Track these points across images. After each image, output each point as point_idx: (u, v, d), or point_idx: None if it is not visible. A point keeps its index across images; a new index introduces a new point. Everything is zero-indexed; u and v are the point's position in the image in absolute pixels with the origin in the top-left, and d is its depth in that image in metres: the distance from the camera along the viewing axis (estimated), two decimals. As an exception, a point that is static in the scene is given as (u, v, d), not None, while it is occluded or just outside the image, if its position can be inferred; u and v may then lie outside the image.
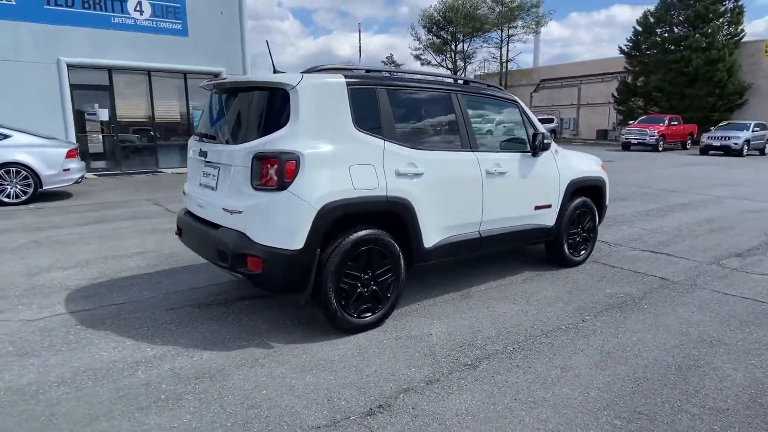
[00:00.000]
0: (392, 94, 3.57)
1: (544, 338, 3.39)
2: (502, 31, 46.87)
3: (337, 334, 3.38)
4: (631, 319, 3.72)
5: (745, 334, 3.45)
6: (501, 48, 47.18)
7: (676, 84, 30.41)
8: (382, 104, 3.48)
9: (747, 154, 23.10)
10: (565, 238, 4.88)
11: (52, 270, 4.84)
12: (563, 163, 4.75)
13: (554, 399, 2.63)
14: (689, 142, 27.76)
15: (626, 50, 34.56)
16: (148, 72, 14.28)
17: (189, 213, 3.82)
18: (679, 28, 31.60)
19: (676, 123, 27.05)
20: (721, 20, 30.47)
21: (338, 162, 3.20)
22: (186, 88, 15.07)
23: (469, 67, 50.62)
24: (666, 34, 32.30)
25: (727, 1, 30.41)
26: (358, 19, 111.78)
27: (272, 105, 3.19)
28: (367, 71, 3.60)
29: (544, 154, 4.51)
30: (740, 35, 30.20)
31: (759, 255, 5.55)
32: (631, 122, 29.10)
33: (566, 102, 41.52)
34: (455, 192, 3.82)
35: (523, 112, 4.52)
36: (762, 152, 24.39)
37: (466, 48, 49.60)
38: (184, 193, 4.00)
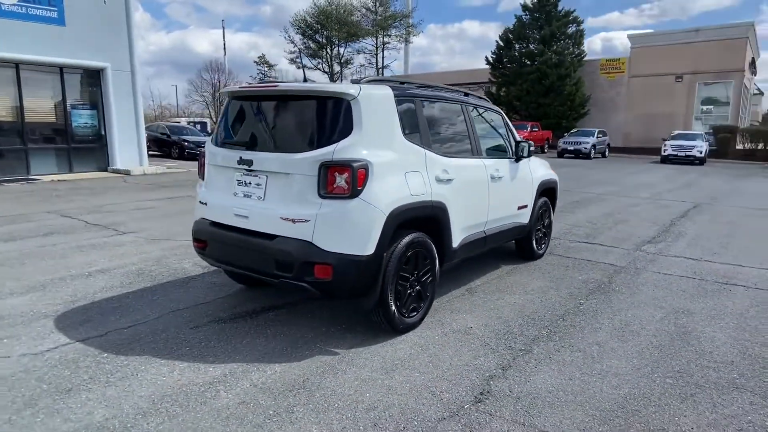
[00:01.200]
0: (425, 105, 3.80)
1: (563, 321, 3.88)
2: (377, 39, 48.50)
3: (388, 336, 3.50)
4: (615, 300, 4.39)
5: (703, 304, 4.30)
6: (377, 55, 48.80)
7: (533, 94, 34.36)
8: (420, 115, 3.70)
9: (594, 157, 27.03)
10: (534, 234, 5.50)
11: (4, 297, 4.18)
12: (533, 167, 5.35)
13: (611, 369, 3.10)
14: (546, 146, 31.59)
15: (491, 62, 38.10)
16: (16, 64, 12.40)
17: (217, 225, 3.62)
18: (534, 45, 35.73)
19: (536, 129, 30.61)
20: (567, 41, 35.16)
21: (397, 169, 3.35)
22: (63, 84, 13.36)
23: (346, 72, 51.51)
24: (524, 50, 36.31)
25: (571, 25, 35.17)
26: (215, 15, 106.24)
27: (335, 114, 3.22)
28: (402, 83, 3.78)
29: (523, 160, 5.06)
30: (582, 55, 35.12)
31: (663, 241, 6.76)
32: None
33: (438, 108, 44.22)
34: (473, 195, 4.17)
35: (506, 122, 5.02)
36: (603, 155, 28.65)
37: (342, 53, 50.39)
38: (201, 203, 3.78)
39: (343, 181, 3.08)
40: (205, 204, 3.73)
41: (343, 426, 2.46)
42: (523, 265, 5.43)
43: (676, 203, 10.55)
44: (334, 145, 3.13)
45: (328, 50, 50.26)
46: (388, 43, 49.04)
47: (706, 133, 28.17)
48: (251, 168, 3.38)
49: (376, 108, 3.31)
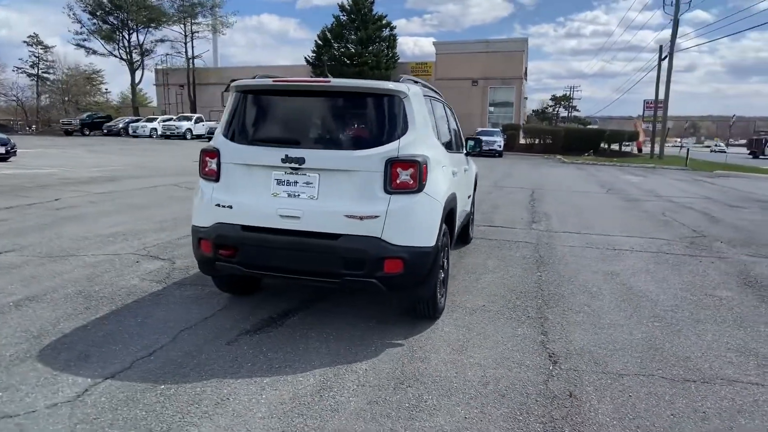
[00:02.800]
0: (432, 104, 4.06)
1: (542, 290, 4.55)
2: (185, 27, 44.93)
3: (426, 322, 3.71)
4: (559, 270, 5.26)
5: (616, 266, 5.44)
6: (186, 44, 45.23)
7: (355, 93, 36.10)
8: (433, 112, 3.95)
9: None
10: (471, 220, 6.17)
11: None
12: (470, 160, 6.00)
13: (612, 322, 3.83)
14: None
15: (311, 61, 38.65)
16: None
17: (252, 228, 3.33)
18: (353, 46, 37.44)
19: (362, 126, 32.23)
20: (382, 44, 37.68)
21: (438, 164, 3.56)
22: None
23: (149, 62, 46.52)
24: (343, 50, 37.74)
25: (385, 29, 37.78)
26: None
27: (392, 111, 3.27)
28: (415, 83, 3.96)
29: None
30: (396, 57, 38.07)
31: (541, 221, 8.13)
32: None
33: (258, 103, 43.15)
34: (463, 186, 4.59)
35: (456, 119, 5.54)
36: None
37: (142, 39, 45.39)
38: (221, 206, 3.41)
39: (408, 177, 3.19)
40: (230, 207, 3.39)
41: (481, 403, 2.65)
42: (463, 249, 6.03)
43: (516, 190, 12.53)
44: (397, 142, 3.21)
45: (125, 35, 44.81)
46: (198, 32, 45.88)
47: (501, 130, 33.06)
48: (301, 166, 3.22)
49: (420, 105, 3.46)
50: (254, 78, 3.74)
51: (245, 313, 3.79)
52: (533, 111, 59.96)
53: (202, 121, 35.93)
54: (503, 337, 3.50)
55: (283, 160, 3.24)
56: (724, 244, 6.68)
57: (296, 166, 3.22)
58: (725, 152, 45.81)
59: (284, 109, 3.51)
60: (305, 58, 38.84)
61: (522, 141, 34.79)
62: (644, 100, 37.94)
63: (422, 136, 3.36)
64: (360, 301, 4.09)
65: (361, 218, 3.16)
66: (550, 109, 58.65)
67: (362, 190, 3.19)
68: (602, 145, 33.28)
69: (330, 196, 3.22)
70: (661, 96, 30.66)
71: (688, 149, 27.98)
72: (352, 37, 37.58)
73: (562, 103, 58.75)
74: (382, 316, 3.81)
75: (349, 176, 3.21)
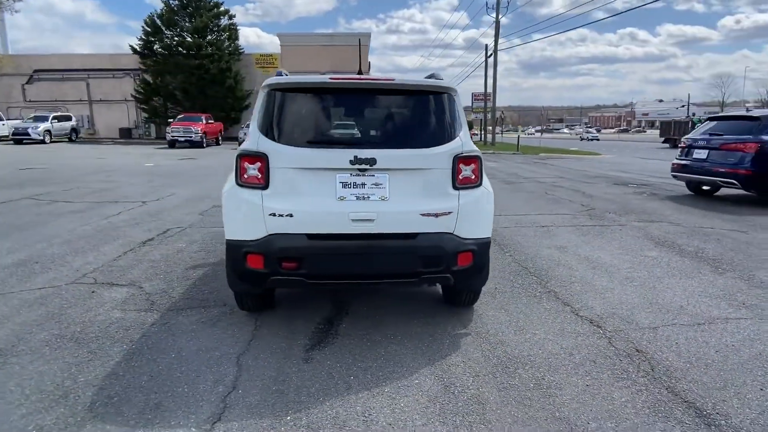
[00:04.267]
0: None
1: (535, 267, 5.06)
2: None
3: (462, 310, 3.91)
4: (529, 249, 5.84)
5: (560, 241, 6.22)
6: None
7: (199, 86, 33.55)
8: None
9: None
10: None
11: None
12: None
13: (619, 286, 4.48)
14: (220, 138, 31.55)
15: (138, 50, 34.78)
16: None
17: (319, 236, 3.11)
18: (188, 34, 34.60)
19: (212, 122, 30.19)
20: (222, 33, 35.53)
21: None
22: None
23: None
24: (177, 38, 34.67)
25: (223, 17, 35.65)
26: None
27: (451, 108, 3.33)
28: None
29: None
30: (240, 49, 36.25)
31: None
32: (172, 120, 30.13)
33: (74, 97, 37.57)
34: None
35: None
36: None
37: None
38: (277, 215, 3.12)
39: (470, 172, 3.32)
40: (290, 216, 3.13)
41: (585, 372, 2.96)
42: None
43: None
44: (458, 138, 3.31)
45: None
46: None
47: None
48: (372, 167, 3.13)
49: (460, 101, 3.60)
50: (279, 74, 3.49)
51: (286, 329, 3.54)
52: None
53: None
54: (540, 313, 3.86)
55: (351, 162, 3.10)
56: (613, 214, 8.04)
57: (366, 167, 3.12)
58: (598, 139, 47.19)
59: (341, 108, 3.34)
60: (131, 46, 34.80)
61: (372, 132, 36.10)
62: (472, 93, 42.13)
63: (466, 131, 3.50)
64: (385, 297, 4.09)
65: (436, 215, 3.20)
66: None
67: (434, 188, 3.23)
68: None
69: (402, 195, 3.19)
70: (490, 89, 34.53)
71: (518, 136, 32.01)
72: (187, 24, 34.75)
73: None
74: (421, 309, 3.88)
75: (421, 174, 3.22)
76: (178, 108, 34.42)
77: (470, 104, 42.77)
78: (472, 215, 3.31)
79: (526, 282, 4.61)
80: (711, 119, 9.93)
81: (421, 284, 3.33)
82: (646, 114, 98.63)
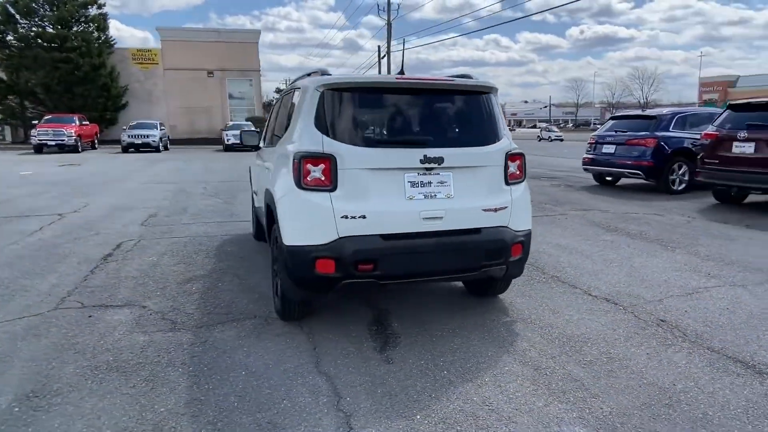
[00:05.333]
0: None
1: (514, 258, 5.43)
2: None
3: (494, 300, 4.15)
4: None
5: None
6: None
7: (65, 83, 29.91)
8: None
9: (161, 150, 26.82)
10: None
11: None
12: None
13: (602, 268, 4.99)
14: (96, 141, 28.51)
15: (-13, 40, 30.12)
16: None
17: (395, 236, 3.11)
18: (51, 25, 30.68)
19: (86, 123, 27.14)
20: (90, 25, 32.00)
21: None
22: None
23: None
24: (37, 29, 30.58)
25: (91, 7, 32.12)
26: None
27: (496, 107, 3.51)
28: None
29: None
30: (111, 42, 32.93)
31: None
32: (36, 122, 26.56)
33: None
34: None
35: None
36: (166, 147, 28.72)
37: None
38: (349, 217, 3.06)
39: (516, 168, 3.55)
40: (363, 217, 3.08)
41: (645, 345, 3.33)
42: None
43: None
44: (505, 136, 3.52)
45: None
46: None
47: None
48: (440, 165, 3.20)
49: None
50: (323, 73, 3.43)
51: (341, 333, 3.48)
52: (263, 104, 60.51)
53: None
54: (559, 296, 4.21)
55: (421, 161, 3.16)
56: (549, 205, 8.83)
57: (434, 166, 3.19)
58: (561, 139, 43.21)
59: (404, 108, 3.33)
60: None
61: (267, 133, 35.11)
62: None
63: (507, 129, 3.71)
64: (408, 294, 4.17)
65: (495, 210, 3.37)
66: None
67: (491, 184, 3.40)
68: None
69: (464, 192, 3.30)
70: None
71: None
72: (48, 14, 30.81)
73: (286, 95, 60.94)
74: (449, 303, 4.04)
75: (480, 172, 3.36)
76: (40, 108, 30.46)
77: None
78: (521, 208, 3.54)
79: (526, 270, 4.94)
80: (612, 118, 11.32)
81: (479, 277, 3.47)
82: (515, 114, 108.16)
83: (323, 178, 3.09)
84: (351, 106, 3.23)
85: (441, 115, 3.45)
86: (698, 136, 9.63)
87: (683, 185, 9.79)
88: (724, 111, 8.25)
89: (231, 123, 29.85)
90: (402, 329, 3.54)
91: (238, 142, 27.12)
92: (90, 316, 3.77)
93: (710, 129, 8.22)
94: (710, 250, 5.61)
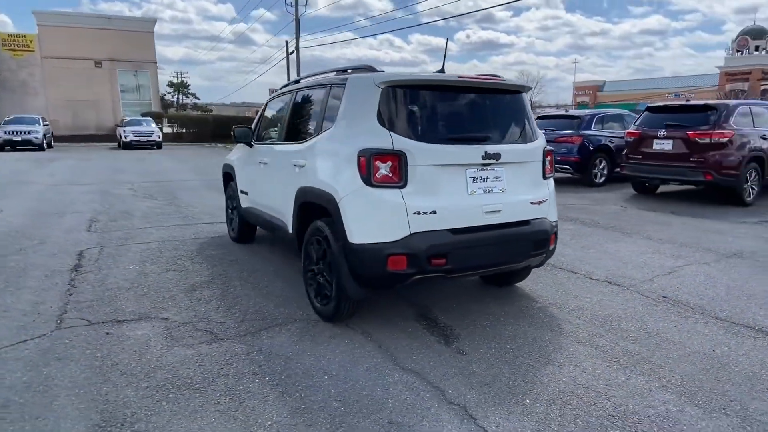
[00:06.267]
0: None
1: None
2: None
3: (516, 289, 4.40)
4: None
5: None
6: None
7: None
8: None
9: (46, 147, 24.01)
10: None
11: None
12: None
13: (581, 253, 5.45)
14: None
15: None
16: None
17: (462, 231, 3.18)
18: None
19: (-52, 117, 23.39)
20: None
21: None
22: None
23: None
24: None
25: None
26: None
27: (530, 106, 3.72)
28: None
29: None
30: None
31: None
32: None
33: None
34: None
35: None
36: (50, 145, 25.73)
37: None
38: (421, 213, 3.08)
39: (548, 164, 3.80)
40: (434, 213, 3.12)
41: (665, 315, 3.75)
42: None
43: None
44: (539, 134, 3.75)
45: None
46: None
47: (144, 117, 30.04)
48: (497, 161, 3.33)
49: None
50: (371, 69, 3.43)
51: (396, 330, 3.49)
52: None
53: None
54: (567, 282, 4.56)
55: (483, 157, 3.27)
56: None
57: (493, 162, 3.32)
58: None
59: (465, 105, 3.39)
60: None
61: (168, 130, 32.91)
62: (269, 89, 41.59)
63: None
64: (430, 287, 4.28)
65: (539, 203, 3.59)
66: (169, 96, 56.21)
67: (533, 178, 3.61)
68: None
69: (514, 187, 3.48)
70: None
71: None
72: None
73: (181, 89, 57.30)
74: (475, 293, 4.22)
75: (526, 167, 3.55)
76: None
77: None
78: (554, 201, 3.80)
79: (521, 259, 5.27)
80: (539, 118, 12.24)
81: (524, 266, 3.68)
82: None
83: (392, 175, 3.08)
84: (415, 103, 3.25)
85: (496, 113, 3.56)
86: (612, 135, 10.80)
87: (603, 178, 10.91)
88: (644, 112, 9.34)
89: (128, 118, 27.47)
90: (450, 321, 3.63)
91: (138, 139, 25.35)
92: (108, 333, 3.39)
93: (632, 128, 9.26)
94: (660, 234, 6.37)
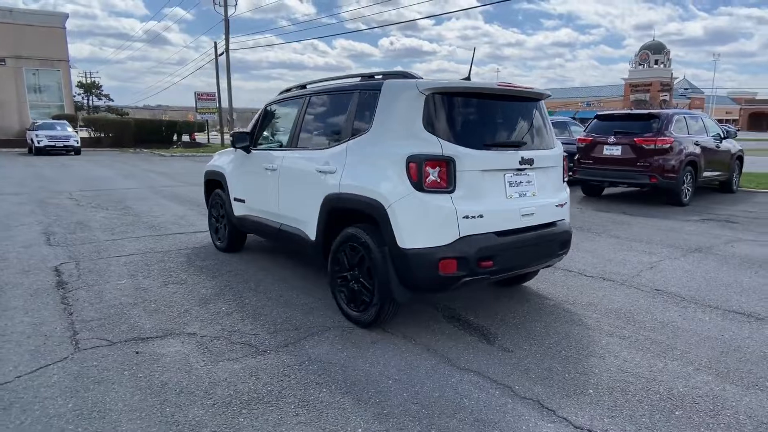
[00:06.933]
0: None
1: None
2: None
3: (528, 288, 4.62)
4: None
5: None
6: None
7: None
8: None
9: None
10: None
11: None
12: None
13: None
14: None
15: None
16: None
17: (504, 233, 3.31)
18: None
19: None
20: None
21: None
22: None
23: None
24: None
25: None
26: None
27: (546, 113, 3.94)
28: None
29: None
30: None
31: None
32: None
33: None
34: None
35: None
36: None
37: None
38: (470, 217, 3.17)
39: (565, 169, 4.05)
40: (480, 216, 3.22)
41: (668, 304, 4.11)
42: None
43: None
44: (557, 140, 3.98)
45: None
46: None
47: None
48: (531, 166, 3.50)
49: None
50: (407, 75, 3.51)
51: (433, 332, 3.57)
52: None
53: None
54: (567, 279, 4.85)
55: (520, 162, 3.43)
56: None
57: (527, 167, 3.50)
58: None
59: (501, 112, 3.51)
60: None
61: (83, 134, 30.56)
62: (195, 92, 39.81)
63: None
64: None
65: (561, 206, 3.82)
66: (79, 97, 52.06)
67: (555, 182, 3.83)
68: (174, 137, 33.52)
69: (542, 190, 3.67)
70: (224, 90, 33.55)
71: None
72: None
73: (92, 91, 53.32)
74: (490, 292, 4.39)
75: (551, 172, 3.76)
76: None
77: (194, 104, 40.09)
78: (569, 205, 4.04)
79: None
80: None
81: (549, 265, 3.89)
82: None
83: (440, 180, 3.15)
84: (459, 109, 3.34)
85: (528, 120, 3.72)
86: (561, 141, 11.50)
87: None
88: (593, 120, 10.08)
89: (40, 122, 25.24)
90: (482, 322, 3.75)
91: (54, 144, 23.31)
92: (138, 353, 3.17)
93: (583, 134, 9.95)
94: (625, 233, 6.92)
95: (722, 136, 10.42)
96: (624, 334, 3.55)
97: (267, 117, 5.00)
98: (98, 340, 3.33)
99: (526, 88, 3.65)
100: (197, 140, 37.02)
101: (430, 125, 3.21)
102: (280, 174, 4.38)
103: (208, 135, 42.05)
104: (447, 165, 3.15)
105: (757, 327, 3.69)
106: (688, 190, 9.15)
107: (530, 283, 4.65)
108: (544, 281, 4.74)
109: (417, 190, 3.13)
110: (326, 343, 3.37)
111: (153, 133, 31.91)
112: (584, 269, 5.16)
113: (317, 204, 3.82)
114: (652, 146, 8.71)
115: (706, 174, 9.66)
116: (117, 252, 5.62)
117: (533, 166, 3.54)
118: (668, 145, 8.72)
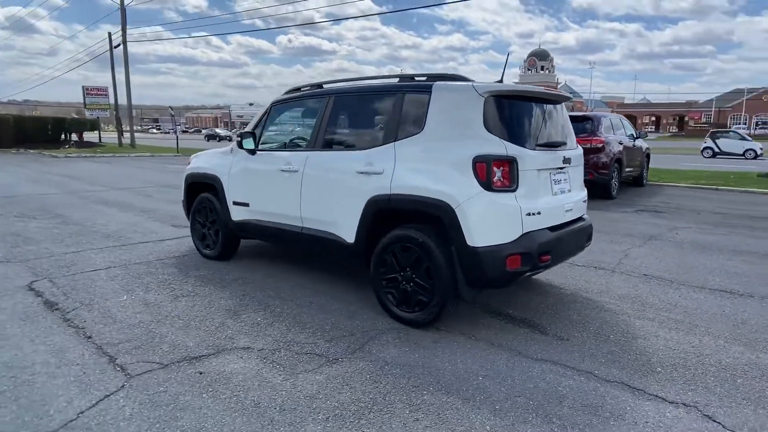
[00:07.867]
0: None
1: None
2: None
3: (540, 284, 4.89)
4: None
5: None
6: None
7: None
8: None
9: None
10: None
11: None
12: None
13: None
14: None
15: None
16: None
17: (555, 228, 3.50)
18: None
19: None
20: None
21: None
22: None
23: None
24: None
25: None
26: None
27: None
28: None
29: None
30: None
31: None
32: None
33: None
34: None
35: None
36: None
37: None
38: (531, 214, 3.31)
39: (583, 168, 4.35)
40: (539, 213, 3.38)
41: (667, 287, 4.57)
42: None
43: (151, 188, 11.42)
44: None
45: None
46: None
47: None
48: (569, 165, 3.73)
49: None
50: (459, 78, 3.60)
51: (483, 326, 3.68)
52: None
53: None
54: (566, 270, 5.20)
55: (563, 161, 3.65)
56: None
57: (567, 165, 3.73)
58: None
59: (545, 114, 3.66)
60: None
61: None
62: (83, 87, 36.13)
63: None
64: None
65: (585, 201, 4.12)
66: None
67: (580, 180, 4.11)
68: (62, 136, 30.23)
69: (573, 188, 3.93)
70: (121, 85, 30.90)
71: (177, 136, 29.66)
72: None
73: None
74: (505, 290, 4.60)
75: (578, 170, 4.03)
76: None
77: (83, 100, 36.17)
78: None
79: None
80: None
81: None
82: (241, 116, 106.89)
83: (504, 179, 3.26)
84: (515, 111, 3.45)
85: (562, 121, 3.93)
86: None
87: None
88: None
89: None
90: (522, 314, 3.92)
91: None
92: (201, 373, 2.91)
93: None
94: (583, 225, 7.52)
95: (635, 136, 11.67)
96: (648, 316, 3.91)
97: (275, 117, 4.75)
98: (147, 364, 2.99)
99: (560, 91, 3.90)
100: (85, 139, 33.31)
101: (491, 127, 3.30)
102: (303, 175, 4.21)
103: (99, 134, 38.33)
104: (510, 165, 3.26)
105: (746, 302, 4.25)
106: (615, 184, 10.15)
107: (537, 276, 4.91)
108: (544, 273, 5.03)
109: (486, 189, 3.21)
110: (390, 345, 3.33)
111: (37, 131, 28.51)
112: (572, 260, 5.54)
113: (357, 205, 3.74)
114: (588, 145, 9.53)
115: (627, 170, 10.76)
116: (88, 266, 5.02)
117: (570, 164, 3.78)
118: (601, 145, 9.61)
